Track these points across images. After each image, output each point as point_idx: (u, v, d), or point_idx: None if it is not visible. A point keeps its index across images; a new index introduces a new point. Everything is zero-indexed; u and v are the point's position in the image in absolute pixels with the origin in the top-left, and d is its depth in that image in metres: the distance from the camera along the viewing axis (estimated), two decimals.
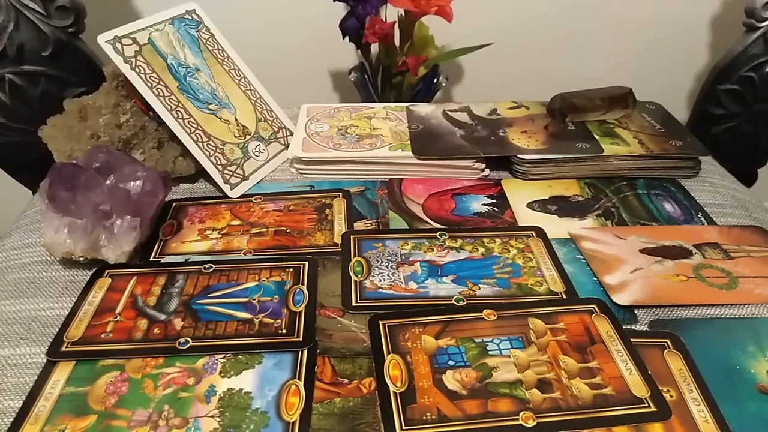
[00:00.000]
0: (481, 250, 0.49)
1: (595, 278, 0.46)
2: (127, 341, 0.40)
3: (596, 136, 0.61)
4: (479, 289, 0.45)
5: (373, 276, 0.46)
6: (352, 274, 0.46)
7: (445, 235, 0.50)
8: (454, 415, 0.35)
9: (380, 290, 0.44)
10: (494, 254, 0.48)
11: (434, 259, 0.48)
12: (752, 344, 0.40)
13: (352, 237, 0.50)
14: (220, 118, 0.59)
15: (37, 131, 0.56)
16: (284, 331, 0.41)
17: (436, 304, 0.43)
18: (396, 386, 0.37)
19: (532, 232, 0.51)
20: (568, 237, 0.51)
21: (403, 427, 0.34)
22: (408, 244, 0.49)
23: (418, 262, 0.47)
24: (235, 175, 0.57)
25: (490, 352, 0.39)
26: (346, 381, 0.37)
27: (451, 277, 0.46)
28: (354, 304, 0.43)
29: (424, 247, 0.49)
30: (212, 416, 0.35)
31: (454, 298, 0.44)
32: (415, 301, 0.44)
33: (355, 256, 0.48)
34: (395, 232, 0.51)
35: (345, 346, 0.40)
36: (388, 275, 0.46)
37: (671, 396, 0.36)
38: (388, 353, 0.39)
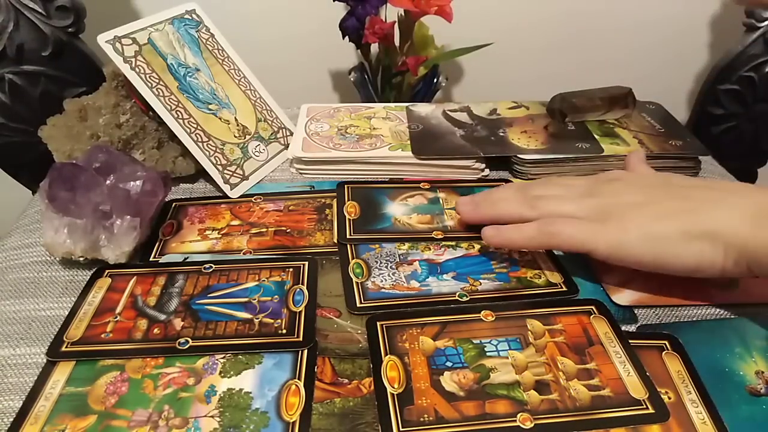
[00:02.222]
0: (477, 246, 0.49)
1: (594, 278, 0.46)
2: (127, 341, 0.40)
3: (596, 136, 0.61)
4: (480, 284, 0.45)
5: (374, 277, 0.46)
6: (352, 275, 0.46)
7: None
8: (451, 416, 0.35)
9: (383, 290, 0.44)
10: (490, 250, 0.48)
11: (432, 258, 0.48)
12: (741, 345, 0.40)
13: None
14: (220, 118, 0.59)
15: (37, 131, 0.57)
16: (284, 331, 0.41)
17: (440, 301, 0.43)
18: (393, 387, 0.37)
19: None
20: None
21: (401, 429, 0.34)
22: (404, 245, 0.49)
23: (417, 261, 0.47)
24: (235, 175, 0.57)
25: (488, 354, 0.39)
26: (346, 381, 0.38)
27: (451, 274, 0.46)
28: (358, 305, 0.43)
29: (421, 246, 0.49)
30: (212, 416, 0.35)
31: (457, 294, 0.44)
32: (419, 299, 0.44)
33: (353, 258, 0.48)
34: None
35: (340, 347, 0.40)
36: (388, 275, 0.46)
37: (669, 398, 0.36)
38: (386, 354, 0.39)
